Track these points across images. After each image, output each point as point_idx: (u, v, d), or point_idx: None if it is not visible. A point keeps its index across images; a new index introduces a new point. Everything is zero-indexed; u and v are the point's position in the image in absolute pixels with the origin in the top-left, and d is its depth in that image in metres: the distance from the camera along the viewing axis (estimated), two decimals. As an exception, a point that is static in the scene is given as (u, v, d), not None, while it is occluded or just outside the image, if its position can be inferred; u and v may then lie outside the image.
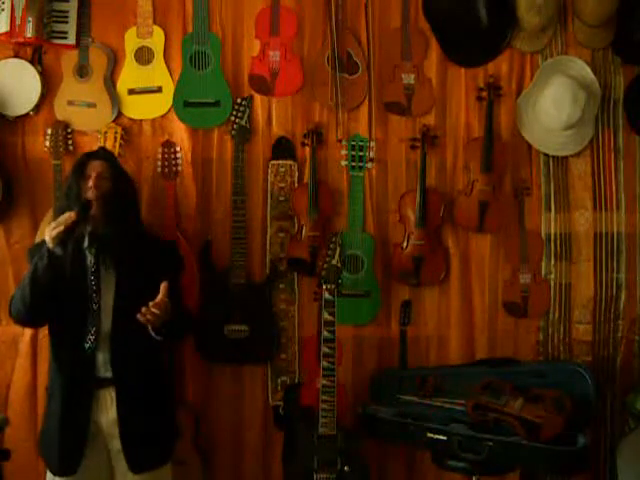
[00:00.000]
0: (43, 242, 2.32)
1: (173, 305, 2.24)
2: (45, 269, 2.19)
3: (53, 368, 2.37)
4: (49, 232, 2.18)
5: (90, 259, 2.30)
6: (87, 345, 2.26)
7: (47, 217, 2.91)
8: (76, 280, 2.29)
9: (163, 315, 2.19)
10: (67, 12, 2.92)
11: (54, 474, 2.33)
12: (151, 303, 2.17)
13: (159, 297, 2.19)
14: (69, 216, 2.18)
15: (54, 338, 2.37)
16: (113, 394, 2.30)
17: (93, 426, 2.29)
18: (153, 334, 2.26)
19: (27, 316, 2.32)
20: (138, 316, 2.17)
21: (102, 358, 2.29)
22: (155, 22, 2.96)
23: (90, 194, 2.30)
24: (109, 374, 2.30)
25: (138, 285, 2.29)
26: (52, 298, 2.25)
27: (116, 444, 2.31)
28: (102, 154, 2.47)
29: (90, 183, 2.31)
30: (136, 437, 2.31)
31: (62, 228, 2.16)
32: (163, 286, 2.21)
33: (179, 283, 2.50)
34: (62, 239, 2.18)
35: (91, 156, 2.43)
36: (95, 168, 2.35)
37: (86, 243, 2.29)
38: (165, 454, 2.44)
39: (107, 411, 2.30)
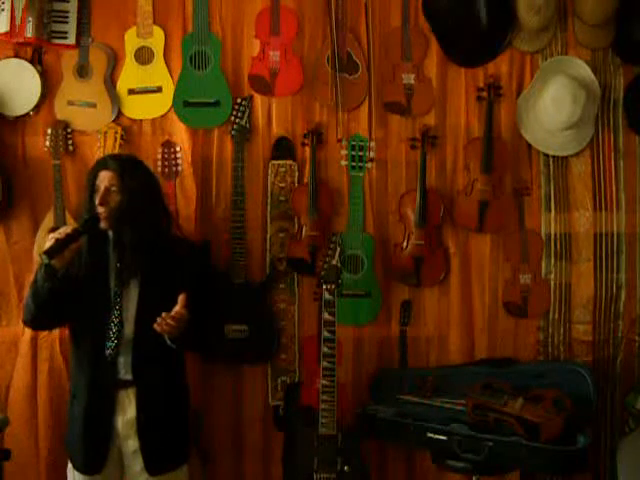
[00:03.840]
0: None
1: (193, 316, 2.22)
2: (44, 281, 2.18)
3: (75, 371, 2.37)
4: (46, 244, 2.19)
5: (113, 265, 2.30)
6: (108, 352, 2.26)
7: (48, 218, 2.91)
8: (99, 285, 2.29)
9: (180, 326, 2.17)
10: (67, 12, 2.92)
11: (80, 472, 2.34)
12: (165, 315, 2.15)
13: (176, 309, 2.17)
14: (64, 230, 2.19)
15: (75, 342, 2.36)
16: (131, 395, 2.30)
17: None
18: (169, 342, 2.25)
19: (34, 322, 2.37)
20: (155, 325, 2.16)
21: (123, 361, 2.29)
22: (155, 22, 2.96)
23: (99, 210, 2.26)
24: (128, 376, 2.29)
25: (162, 290, 2.28)
26: (58, 307, 2.25)
27: (131, 445, 2.31)
28: (110, 163, 2.32)
29: (97, 200, 2.26)
30: (154, 438, 2.31)
31: (51, 243, 2.15)
32: (181, 298, 2.18)
33: (206, 286, 2.45)
34: (51, 255, 2.14)
35: (100, 167, 2.33)
36: (103, 181, 2.28)
37: (111, 249, 2.30)
38: (182, 456, 2.44)
39: (124, 412, 2.30)
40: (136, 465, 2.32)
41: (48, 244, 2.16)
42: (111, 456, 2.31)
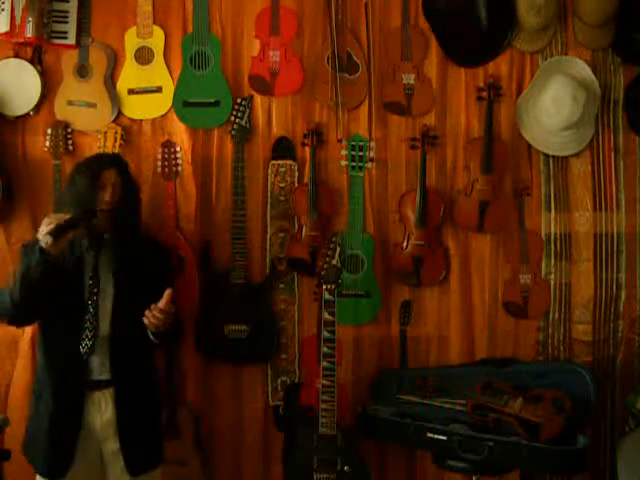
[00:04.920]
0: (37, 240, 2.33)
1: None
2: (37, 266, 2.14)
3: (43, 370, 2.33)
4: (42, 228, 2.13)
5: (89, 263, 2.30)
6: (83, 349, 2.25)
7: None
8: (73, 283, 2.28)
9: (167, 320, 2.19)
10: (67, 12, 2.92)
11: (43, 476, 2.32)
12: (155, 307, 2.17)
13: (164, 303, 2.17)
14: (59, 216, 2.16)
15: (47, 340, 2.33)
16: (108, 396, 2.30)
17: (85, 429, 2.28)
18: (152, 337, 2.27)
19: (13, 313, 2.25)
20: (144, 319, 2.17)
21: (98, 361, 2.28)
22: (155, 22, 2.96)
23: (104, 206, 2.27)
24: (104, 376, 2.29)
25: (137, 289, 2.29)
26: (42, 297, 2.21)
27: (111, 446, 2.31)
28: (117, 163, 2.39)
29: (107, 197, 2.27)
30: (134, 439, 2.31)
31: (53, 226, 2.11)
32: (168, 293, 2.19)
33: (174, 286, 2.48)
34: (54, 237, 2.11)
35: (106, 164, 2.35)
36: (109, 179, 2.30)
37: (86, 246, 2.29)
38: (159, 456, 2.46)
39: (101, 413, 2.30)
40: (117, 466, 2.31)
41: (48, 227, 2.11)
42: (83, 459, 2.28)
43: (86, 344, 2.25)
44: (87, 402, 2.28)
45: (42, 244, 2.12)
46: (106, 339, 2.28)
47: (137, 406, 2.33)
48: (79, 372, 2.27)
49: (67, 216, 2.17)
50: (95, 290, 2.28)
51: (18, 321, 2.41)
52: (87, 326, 2.26)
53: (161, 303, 2.18)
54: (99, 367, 2.29)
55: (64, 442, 2.26)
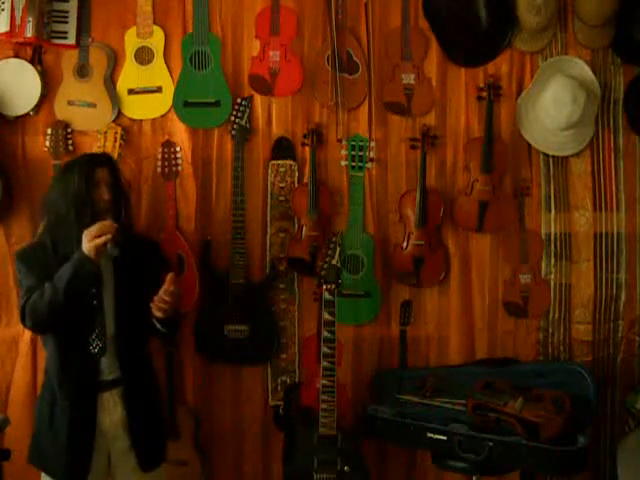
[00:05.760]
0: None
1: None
2: (88, 276, 2.16)
3: (56, 374, 2.30)
4: (92, 241, 2.13)
5: None
6: (95, 350, 2.26)
7: (47, 217, 2.91)
8: None
9: (174, 303, 2.21)
10: (67, 12, 2.92)
11: None
12: (162, 290, 2.19)
13: (169, 284, 2.20)
14: (110, 225, 2.17)
15: (59, 344, 2.30)
16: (116, 396, 2.31)
17: (97, 430, 2.29)
18: (159, 326, 2.28)
19: (53, 324, 2.24)
20: (152, 305, 2.20)
21: (106, 361, 2.29)
22: (155, 22, 2.96)
23: (103, 204, 2.27)
24: (112, 376, 2.30)
25: (136, 286, 2.30)
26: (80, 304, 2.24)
27: (120, 445, 2.32)
28: (108, 161, 2.40)
29: (106, 196, 2.28)
30: (145, 435, 2.34)
31: (111, 236, 2.14)
32: (169, 276, 2.22)
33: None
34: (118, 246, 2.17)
35: (98, 162, 2.35)
36: (104, 177, 2.31)
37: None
38: (165, 451, 2.48)
39: (110, 413, 2.30)
40: (127, 463, 2.33)
41: (104, 238, 2.14)
42: (97, 459, 2.29)
43: (97, 344, 2.26)
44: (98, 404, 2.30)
45: (92, 254, 2.13)
46: (113, 339, 2.29)
47: (144, 403, 2.36)
48: (92, 373, 2.28)
49: (110, 225, 2.18)
50: (99, 292, 2.28)
51: (51, 329, 2.33)
52: (97, 326, 2.26)
53: (166, 285, 2.20)
54: (108, 367, 2.30)
55: (83, 446, 2.27)
